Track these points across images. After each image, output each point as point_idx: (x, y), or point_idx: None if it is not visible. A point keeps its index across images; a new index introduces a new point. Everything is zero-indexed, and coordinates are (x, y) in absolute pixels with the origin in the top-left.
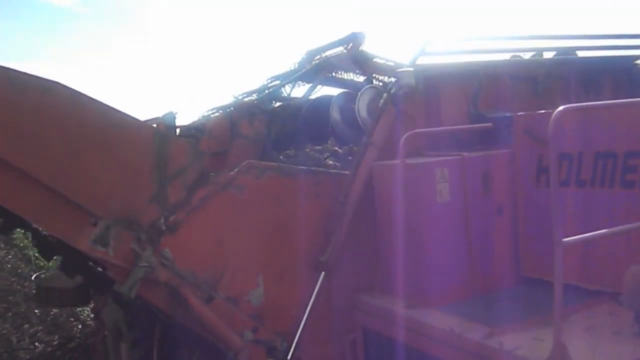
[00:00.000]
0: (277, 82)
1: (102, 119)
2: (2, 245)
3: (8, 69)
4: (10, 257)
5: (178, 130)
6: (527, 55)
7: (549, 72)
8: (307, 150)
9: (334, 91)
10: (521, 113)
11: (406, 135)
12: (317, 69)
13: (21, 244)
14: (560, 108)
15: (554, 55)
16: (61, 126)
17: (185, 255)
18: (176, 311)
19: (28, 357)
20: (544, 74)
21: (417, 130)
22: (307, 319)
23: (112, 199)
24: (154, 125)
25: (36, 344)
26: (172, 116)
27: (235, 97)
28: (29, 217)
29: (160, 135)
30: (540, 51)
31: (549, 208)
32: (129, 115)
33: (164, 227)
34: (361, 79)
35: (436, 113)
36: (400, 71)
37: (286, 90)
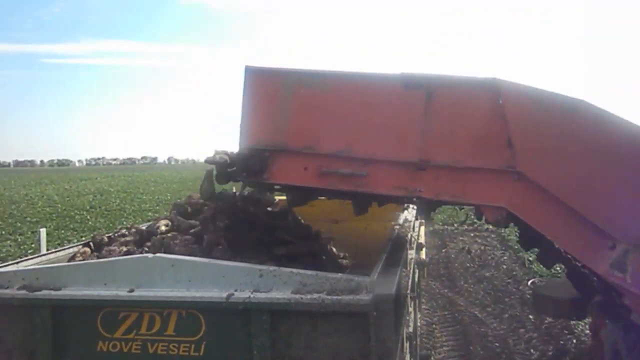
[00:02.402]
0: None
1: (627, 137)
2: (499, 245)
3: (534, 88)
4: (505, 258)
5: None
6: None
7: None
8: None
9: None
10: None
11: None
12: None
13: (515, 247)
14: None
15: None
16: (584, 145)
17: None
18: None
19: None
20: None
21: None
22: None
23: (633, 222)
24: None
25: (531, 350)
26: None
27: None
28: (546, 232)
29: None
30: None
31: None
32: None
33: None
34: None
35: None
36: None
37: None
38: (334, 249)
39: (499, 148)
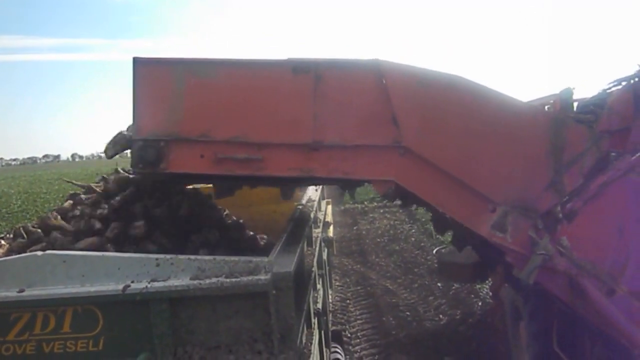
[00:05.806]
0: None
1: (501, 108)
2: (407, 219)
3: (415, 67)
4: (413, 231)
5: (575, 104)
6: None
7: None
8: None
9: None
10: None
11: None
12: None
13: (423, 219)
14: None
15: None
16: (463, 117)
17: (583, 245)
18: (575, 301)
19: (434, 327)
20: None
21: None
22: None
23: (510, 187)
24: (550, 102)
25: (440, 316)
26: (569, 92)
27: None
28: (432, 201)
29: (557, 121)
30: None
31: None
32: (524, 103)
33: (560, 215)
34: None
35: None
36: None
37: None
38: (264, 236)
39: (385, 125)
